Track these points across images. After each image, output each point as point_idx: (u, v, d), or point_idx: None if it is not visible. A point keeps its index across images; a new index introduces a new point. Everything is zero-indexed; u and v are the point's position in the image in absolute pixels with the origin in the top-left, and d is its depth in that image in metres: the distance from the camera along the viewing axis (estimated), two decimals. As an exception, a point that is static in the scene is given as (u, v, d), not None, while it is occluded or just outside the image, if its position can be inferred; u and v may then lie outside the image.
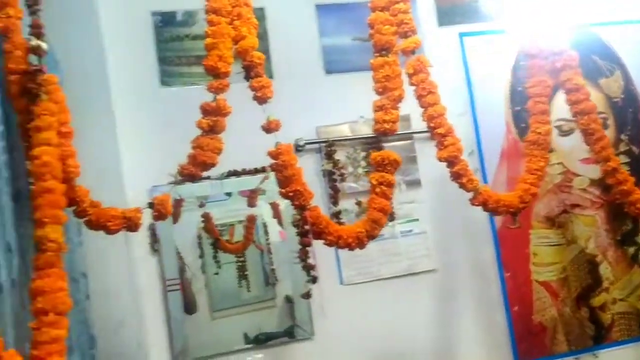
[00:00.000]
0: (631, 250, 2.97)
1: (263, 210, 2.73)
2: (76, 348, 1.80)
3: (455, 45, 2.91)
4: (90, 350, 2.00)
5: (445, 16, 2.91)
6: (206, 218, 2.72)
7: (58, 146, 1.47)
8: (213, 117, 1.66)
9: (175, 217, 2.56)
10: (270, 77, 2.62)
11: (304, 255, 1.72)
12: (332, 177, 2.70)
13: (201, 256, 2.68)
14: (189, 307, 2.62)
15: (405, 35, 1.85)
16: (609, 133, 2.99)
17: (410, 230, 2.78)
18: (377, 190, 1.79)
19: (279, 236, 2.73)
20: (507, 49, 2.90)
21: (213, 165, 1.67)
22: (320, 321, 2.56)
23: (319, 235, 1.73)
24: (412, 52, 1.86)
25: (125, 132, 2.47)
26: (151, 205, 1.63)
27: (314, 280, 1.79)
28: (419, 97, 1.85)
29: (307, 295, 1.87)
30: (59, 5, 2.20)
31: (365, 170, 2.73)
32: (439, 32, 2.90)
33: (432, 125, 1.84)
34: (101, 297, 2.25)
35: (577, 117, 2.09)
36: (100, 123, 2.36)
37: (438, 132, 1.84)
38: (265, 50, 2.66)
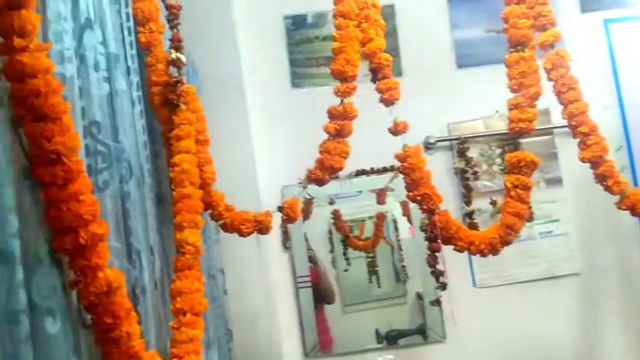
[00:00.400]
0: None
1: (393, 206, 2.73)
2: (214, 342, 1.89)
3: (600, 33, 2.68)
4: (227, 344, 2.11)
5: (589, 2, 2.69)
6: (336, 215, 2.75)
7: (196, 154, 1.56)
8: (340, 121, 1.67)
9: (306, 215, 2.63)
10: (399, 74, 2.61)
11: (432, 260, 1.67)
12: (465, 176, 2.61)
13: (331, 251, 2.74)
14: (328, 296, 2.67)
15: (543, 29, 1.72)
16: None
17: (550, 232, 2.63)
18: (512, 193, 1.69)
19: (409, 233, 2.70)
20: (662, 35, 2.63)
21: (340, 169, 1.68)
22: (452, 324, 2.49)
23: (448, 240, 1.67)
24: (551, 46, 1.73)
25: (258, 134, 2.56)
26: (281, 209, 1.67)
27: (443, 287, 1.73)
28: (558, 94, 1.72)
29: (436, 303, 1.83)
30: (197, 16, 2.32)
31: (501, 167, 2.61)
32: (581, 19, 2.70)
33: (573, 123, 1.70)
34: (236, 293, 2.36)
35: None
36: (235, 126, 2.46)
37: (580, 131, 1.70)
38: (394, 47, 2.63)
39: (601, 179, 1.73)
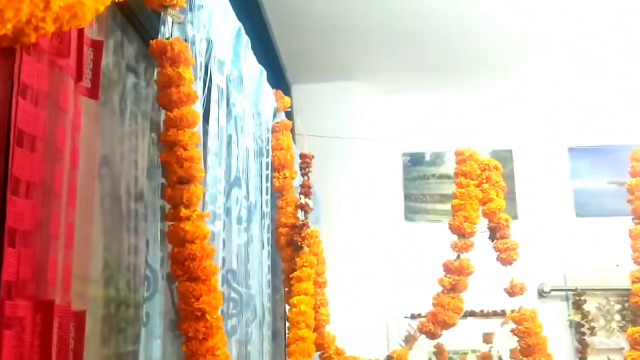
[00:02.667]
0: None
1: (499, 343, 2.62)
2: None
3: None
4: None
5: None
6: (439, 350, 2.68)
7: (314, 295, 1.63)
8: (456, 276, 1.69)
9: (409, 346, 2.59)
10: (515, 217, 2.60)
11: None
12: (581, 330, 2.50)
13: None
14: None
15: (670, 203, 1.70)
16: None
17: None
18: (633, 371, 1.60)
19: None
20: None
21: (454, 325, 1.68)
22: None
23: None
24: (681, 222, 1.69)
25: (369, 265, 2.62)
26: (390, 358, 1.68)
27: None
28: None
29: None
30: (324, 155, 2.50)
31: (620, 325, 2.47)
32: None
33: None
34: None
35: None
36: (348, 255, 2.54)
37: None
38: (511, 190, 2.65)
39: None
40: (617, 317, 2.51)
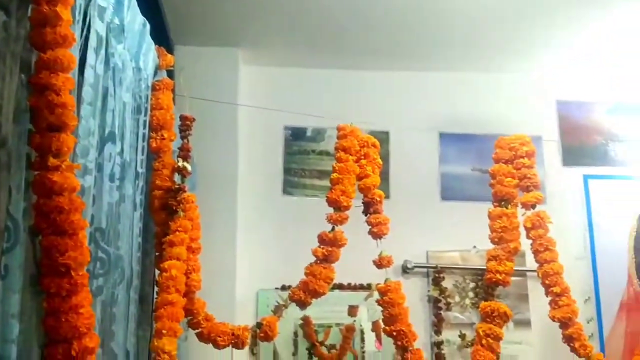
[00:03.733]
0: None
1: (363, 316, 2.73)
2: None
3: (579, 186, 2.84)
4: None
5: (571, 156, 2.88)
6: (306, 322, 2.75)
7: (186, 261, 1.60)
8: (329, 247, 1.73)
9: (280, 314, 2.63)
10: (387, 197, 2.70)
11: (403, 396, 1.69)
12: (438, 305, 2.66)
13: (294, 354, 2.70)
14: None
15: (527, 190, 1.85)
16: None
17: (514, 373, 2.65)
18: (483, 342, 1.74)
19: (375, 346, 2.70)
20: (635, 197, 2.79)
21: (324, 294, 1.73)
22: None
23: (417, 380, 1.70)
24: (533, 206, 1.85)
25: (244, 235, 2.62)
26: (259, 325, 1.70)
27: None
28: (535, 252, 1.83)
29: None
30: (206, 119, 2.45)
31: (473, 302, 2.67)
32: (562, 171, 2.86)
33: (547, 282, 1.80)
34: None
35: None
36: (223, 224, 2.53)
37: (553, 291, 1.79)
38: (384, 171, 2.75)
39: (568, 339, 1.80)
40: (471, 294, 2.70)
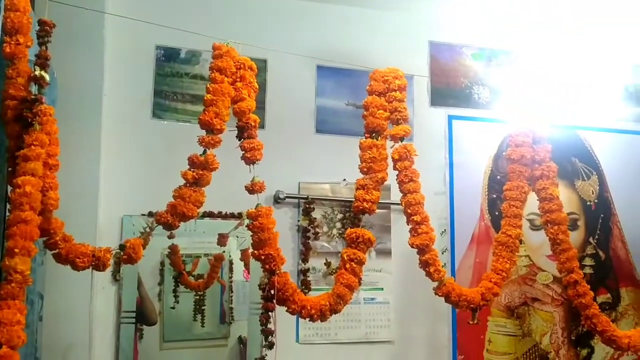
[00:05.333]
0: (584, 352, 3.03)
1: (232, 245, 2.73)
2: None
3: (443, 125, 2.99)
4: (34, 375, 1.97)
5: (438, 97, 3.01)
6: (173, 250, 2.70)
7: (42, 177, 1.48)
8: (200, 171, 1.69)
9: (144, 246, 2.55)
10: (262, 126, 2.69)
11: (265, 319, 1.73)
12: (306, 234, 2.73)
13: (160, 283, 2.66)
14: (150, 317, 2.59)
15: (397, 122, 1.91)
16: (579, 234, 3.08)
17: (374, 299, 2.81)
18: (347, 266, 1.81)
19: (243, 275, 2.73)
20: (492, 138, 3.00)
21: (192, 217, 1.69)
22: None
23: (283, 302, 1.74)
24: (401, 139, 1.92)
25: (109, 158, 2.49)
26: (122, 247, 1.63)
27: (270, 346, 1.79)
28: (400, 183, 1.90)
29: (261, 360, 1.86)
30: (68, 29, 2.25)
31: (340, 232, 2.76)
32: (429, 111, 2.99)
33: (409, 211, 1.89)
34: (55, 318, 2.23)
35: (548, 226, 2.17)
36: (85, 145, 2.38)
37: (414, 220, 1.89)
38: (262, 100, 2.72)
39: (424, 265, 1.92)
40: (339, 225, 2.79)
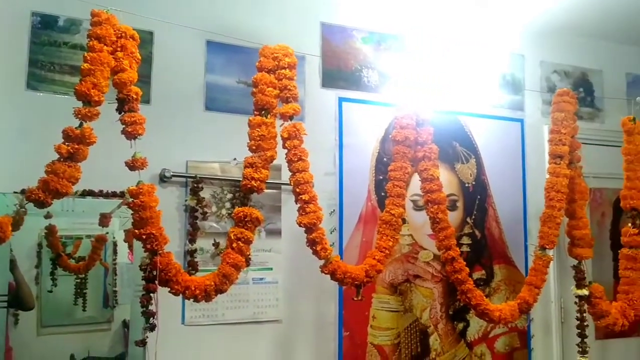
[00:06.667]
0: (460, 326, 3.21)
1: (115, 226, 2.62)
2: None
3: (334, 107, 3.02)
4: None
5: (329, 79, 3.03)
6: (50, 231, 2.54)
7: None
8: (75, 145, 1.59)
9: (16, 226, 2.39)
10: (148, 101, 2.59)
11: (146, 301, 1.67)
12: (194, 214, 2.66)
13: (37, 266, 2.51)
14: (26, 302, 2.44)
15: (286, 101, 1.90)
16: (458, 214, 3.25)
17: (263, 279, 2.81)
18: (234, 245, 1.79)
19: (128, 258, 2.63)
20: (381, 121, 3.08)
21: (67, 194, 1.59)
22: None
23: (165, 283, 1.69)
24: (291, 117, 1.91)
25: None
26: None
27: (152, 328, 1.73)
28: (289, 162, 1.90)
29: (141, 343, 1.79)
30: None
31: (229, 212, 2.72)
32: (321, 92, 3.01)
33: (297, 190, 1.89)
34: None
35: (428, 205, 2.26)
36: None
37: (302, 199, 1.89)
38: (147, 74, 2.61)
39: (311, 243, 1.94)
40: (228, 204, 2.75)
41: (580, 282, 2.74)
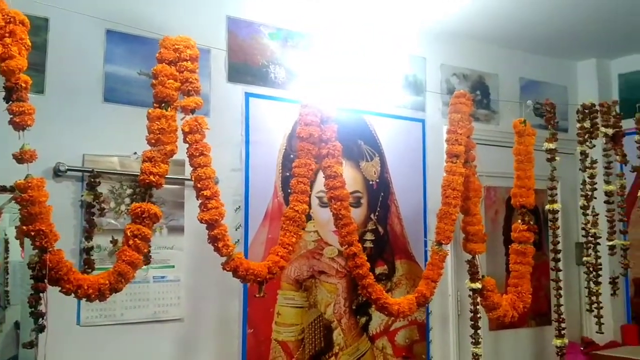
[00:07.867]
0: (363, 320, 3.28)
1: (6, 222, 2.45)
2: None
3: (241, 102, 3.00)
4: None
5: (236, 73, 3.00)
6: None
7: None
8: (-45, 135, 1.47)
9: None
10: (41, 91, 2.45)
11: (35, 301, 1.57)
12: (91, 210, 2.55)
13: None
14: None
15: (188, 94, 1.85)
16: (362, 211, 3.31)
17: (164, 277, 2.74)
18: (131, 242, 1.73)
19: (21, 256, 2.48)
20: (287, 117, 3.08)
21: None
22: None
23: (56, 282, 1.60)
24: (192, 111, 1.87)
25: None
26: None
27: (41, 329, 1.64)
28: (190, 157, 1.86)
29: (30, 345, 1.68)
30: None
31: (129, 208, 2.63)
32: (227, 87, 2.97)
33: (198, 186, 1.85)
34: None
35: (332, 202, 2.29)
36: None
37: (203, 194, 1.86)
38: (41, 62, 2.47)
39: (213, 240, 1.91)
40: (128, 200, 2.66)
41: (473, 276, 2.87)
